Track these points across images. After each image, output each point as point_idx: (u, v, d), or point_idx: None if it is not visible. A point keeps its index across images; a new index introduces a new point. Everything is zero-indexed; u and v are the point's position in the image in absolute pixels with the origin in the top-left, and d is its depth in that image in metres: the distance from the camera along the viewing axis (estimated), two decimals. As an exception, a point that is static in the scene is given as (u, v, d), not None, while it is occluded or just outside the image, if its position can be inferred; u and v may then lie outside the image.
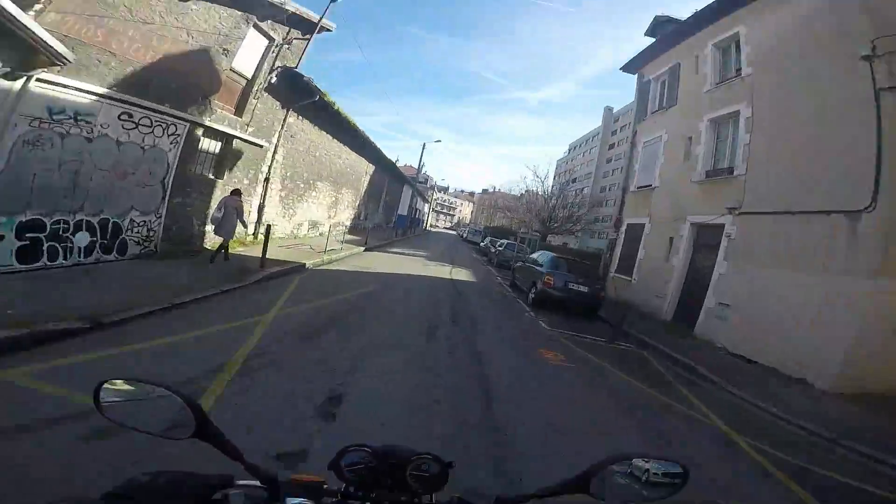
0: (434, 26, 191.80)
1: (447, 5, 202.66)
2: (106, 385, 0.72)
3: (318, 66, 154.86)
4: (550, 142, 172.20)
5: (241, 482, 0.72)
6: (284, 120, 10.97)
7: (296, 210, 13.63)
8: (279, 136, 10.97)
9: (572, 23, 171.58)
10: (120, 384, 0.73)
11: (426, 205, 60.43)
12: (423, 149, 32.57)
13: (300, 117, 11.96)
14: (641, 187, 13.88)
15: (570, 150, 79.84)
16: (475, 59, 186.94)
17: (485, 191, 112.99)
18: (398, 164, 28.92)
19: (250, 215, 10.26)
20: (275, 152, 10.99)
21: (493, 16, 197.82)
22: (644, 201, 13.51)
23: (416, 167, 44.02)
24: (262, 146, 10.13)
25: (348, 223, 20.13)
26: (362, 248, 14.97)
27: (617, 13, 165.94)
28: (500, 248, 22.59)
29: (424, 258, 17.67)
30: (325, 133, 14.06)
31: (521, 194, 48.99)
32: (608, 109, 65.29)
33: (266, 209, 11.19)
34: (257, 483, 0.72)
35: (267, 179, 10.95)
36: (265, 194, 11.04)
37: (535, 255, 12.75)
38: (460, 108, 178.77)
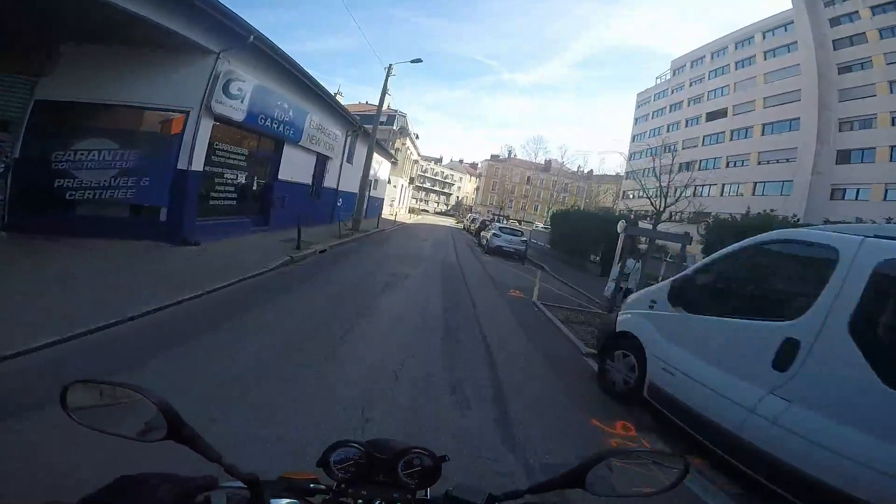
0: (417, 7, 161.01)
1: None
2: (72, 387, 0.68)
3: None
4: (545, 124, 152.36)
5: (225, 484, 0.69)
6: None
7: None
8: None
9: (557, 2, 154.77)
10: (87, 386, 0.69)
11: (383, 164, 24.61)
12: None
13: None
14: None
15: (673, 72, 42.79)
16: (463, 42, 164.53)
17: (494, 157, 76.27)
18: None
19: None
20: None
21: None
22: None
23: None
24: None
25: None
26: None
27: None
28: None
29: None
30: None
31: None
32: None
33: None
34: (241, 484, 0.68)
35: None
36: None
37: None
38: (451, 91, 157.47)
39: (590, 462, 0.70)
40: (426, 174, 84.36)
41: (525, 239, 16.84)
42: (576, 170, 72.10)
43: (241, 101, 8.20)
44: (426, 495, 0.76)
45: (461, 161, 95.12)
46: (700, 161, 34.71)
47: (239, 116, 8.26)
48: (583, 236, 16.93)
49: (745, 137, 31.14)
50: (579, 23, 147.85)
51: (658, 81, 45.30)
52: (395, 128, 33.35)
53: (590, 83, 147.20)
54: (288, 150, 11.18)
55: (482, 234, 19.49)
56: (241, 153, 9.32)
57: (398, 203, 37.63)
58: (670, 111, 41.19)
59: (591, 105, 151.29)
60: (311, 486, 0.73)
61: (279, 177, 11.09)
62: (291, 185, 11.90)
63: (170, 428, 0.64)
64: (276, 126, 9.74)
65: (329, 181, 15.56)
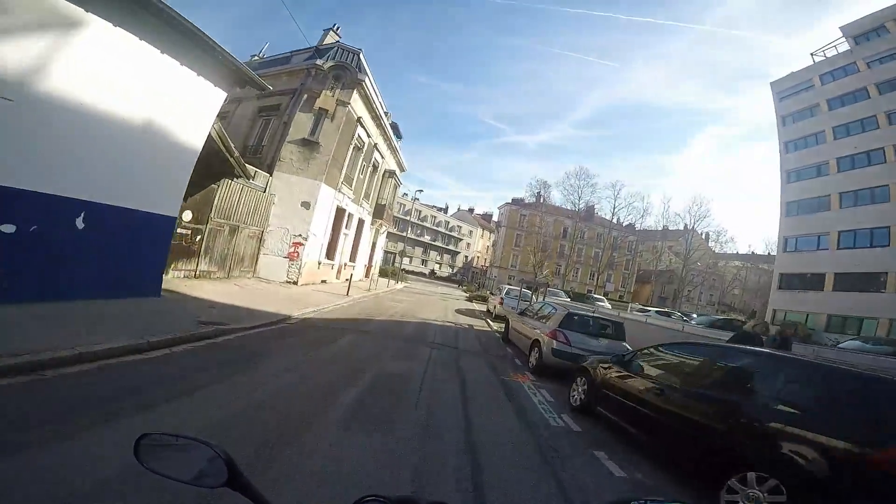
0: (434, 72, 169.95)
1: (447, 56, 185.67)
2: (145, 438, 0.75)
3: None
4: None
5: None
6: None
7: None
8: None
9: (564, 66, 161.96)
10: (158, 437, 0.76)
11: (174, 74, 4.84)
12: None
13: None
14: None
15: (855, 40, 23.81)
16: (474, 105, 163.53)
17: (517, 201, 56.64)
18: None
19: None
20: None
21: (489, 62, 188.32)
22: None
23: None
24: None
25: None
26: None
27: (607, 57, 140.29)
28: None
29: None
30: None
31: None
32: None
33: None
34: None
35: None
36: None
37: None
38: (461, 153, 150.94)
39: None
40: (424, 223, 64.38)
41: None
42: (616, 221, 51.92)
43: None
44: None
45: (471, 210, 75.68)
46: None
47: None
48: None
49: None
50: (574, 92, 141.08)
51: (816, 60, 26.35)
52: (321, 63, 13.53)
53: (606, 143, 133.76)
54: None
55: None
56: None
57: (326, 253, 16.79)
58: (881, 93, 21.55)
59: (612, 166, 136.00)
60: None
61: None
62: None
63: (229, 476, 0.69)
64: None
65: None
